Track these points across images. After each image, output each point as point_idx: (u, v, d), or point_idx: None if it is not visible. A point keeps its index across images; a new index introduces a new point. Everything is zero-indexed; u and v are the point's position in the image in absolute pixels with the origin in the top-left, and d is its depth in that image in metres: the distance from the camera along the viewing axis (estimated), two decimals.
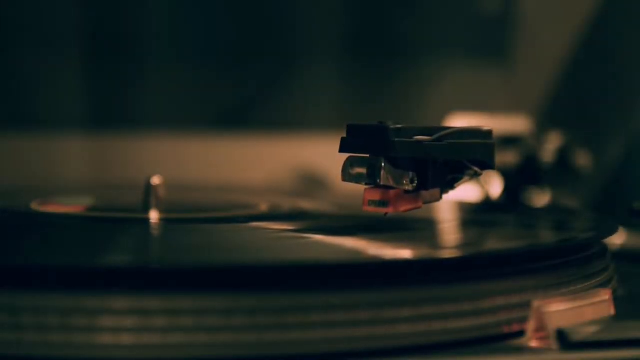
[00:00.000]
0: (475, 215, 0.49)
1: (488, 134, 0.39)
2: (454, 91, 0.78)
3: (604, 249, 0.41)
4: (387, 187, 0.37)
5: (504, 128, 0.61)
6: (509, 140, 0.59)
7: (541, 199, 0.58)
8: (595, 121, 0.69)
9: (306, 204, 0.51)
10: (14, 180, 0.71)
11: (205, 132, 0.75)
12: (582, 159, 0.59)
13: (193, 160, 0.74)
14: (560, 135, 0.59)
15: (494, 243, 0.41)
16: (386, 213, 0.37)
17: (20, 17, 0.72)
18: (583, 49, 0.70)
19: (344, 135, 0.38)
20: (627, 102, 0.67)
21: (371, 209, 0.38)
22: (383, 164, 0.37)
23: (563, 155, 0.58)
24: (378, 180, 0.37)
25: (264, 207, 0.49)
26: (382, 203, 0.37)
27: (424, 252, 0.36)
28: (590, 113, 0.70)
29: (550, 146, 0.59)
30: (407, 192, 0.38)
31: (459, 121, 0.62)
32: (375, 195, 0.38)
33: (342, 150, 0.38)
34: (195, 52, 0.75)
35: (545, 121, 0.67)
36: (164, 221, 0.43)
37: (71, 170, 0.72)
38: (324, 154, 0.60)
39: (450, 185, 0.40)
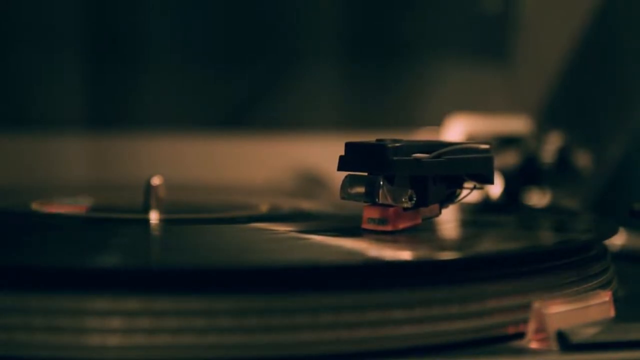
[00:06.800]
0: (475, 216, 0.49)
1: (486, 150, 0.40)
2: (454, 91, 0.78)
3: (604, 250, 0.41)
4: (386, 205, 0.38)
5: (504, 128, 0.61)
6: (509, 141, 0.59)
7: (541, 199, 0.58)
8: (595, 121, 0.69)
9: (306, 204, 0.51)
10: (13, 180, 0.71)
11: (205, 132, 0.75)
12: (582, 159, 0.59)
13: (193, 160, 0.74)
14: (560, 135, 0.59)
15: (494, 244, 0.41)
16: (385, 231, 0.38)
17: (20, 17, 0.72)
18: (583, 49, 0.70)
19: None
20: (626, 102, 0.67)
21: (370, 227, 0.38)
22: (382, 183, 0.37)
23: (563, 156, 0.58)
24: (377, 199, 0.37)
25: (263, 207, 0.49)
26: (382, 221, 0.38)
27: (424, 253, 0.36)
28: (590, 113, 0.70)
29: (550, 146, 0.59)
30: (406, 209, 0.38)
31: (459, 121, 0.62)
32: (375, 213, 0.38)
33: (340, 168, 0.38)
34: (195, 53, 0.75)
35: (545, 121, 0.67)
36: (164, 222, 0.43)
37: (71, 170, 0.72)
38: (324, 154, 0.60)
39: (449, 200, 0.40)
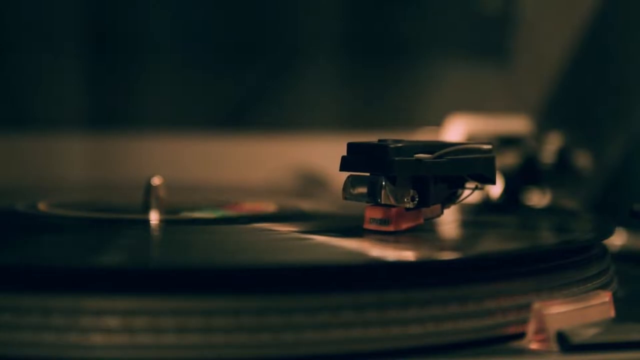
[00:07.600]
0: (475, 216, 0.49)
1: (488, 150, 0.40)
2: (454, 91, 0.78)
3: (604, 250, 0.41)
4: (388, 206, 0.38)
5: (504, 128, 0.61)
6: (509, 141, 0.59)
7: (541, 199, 0.58)
8: (595, 122, 0.69)
9: (306, 204, 0.51)
10: (14, 180, 0.71)
11: (205, 132, 0.75)
12: (582, 160, 0.59)
13: (193, 160, 0.74)
14: (560, 135, 0.59)
15: (493, 244, 0.41)
16: (387, 231, 0.38)
17: (20, 17, 0.72)
18: (583, 49, 0.70)
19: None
20: (626, 102, 0.67)
21: (372, 227, 0.38)
22: (384, 183, 0.37)
23: (563, 156, 0.58)
24: (379, 200, 0.37)
25: (264, 207, 0.49)
26: (384, 221, 0.38)
27: (423, 254, 0.36)
28: (590, 113, 0.70)
29: (550, 147, 0.59)
30: (408, 209, 0.38)
31: (459, 121, 0.62)
32: (377, 213, 0.38)
33: (342, 169, 0.38)
34: (195, 53, 0.75)
35: (545, 121, 0.67)
36: (164, 222, 0.43)
37: (71, 170, 0.72)
38: (324, 154, 0.60)
39: (451, 200, 0.40)
